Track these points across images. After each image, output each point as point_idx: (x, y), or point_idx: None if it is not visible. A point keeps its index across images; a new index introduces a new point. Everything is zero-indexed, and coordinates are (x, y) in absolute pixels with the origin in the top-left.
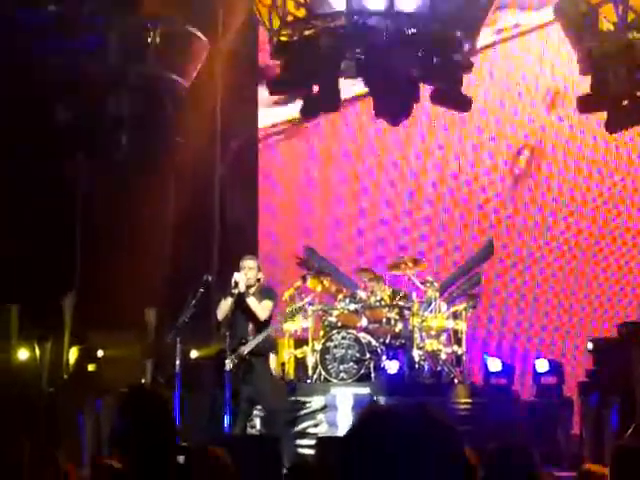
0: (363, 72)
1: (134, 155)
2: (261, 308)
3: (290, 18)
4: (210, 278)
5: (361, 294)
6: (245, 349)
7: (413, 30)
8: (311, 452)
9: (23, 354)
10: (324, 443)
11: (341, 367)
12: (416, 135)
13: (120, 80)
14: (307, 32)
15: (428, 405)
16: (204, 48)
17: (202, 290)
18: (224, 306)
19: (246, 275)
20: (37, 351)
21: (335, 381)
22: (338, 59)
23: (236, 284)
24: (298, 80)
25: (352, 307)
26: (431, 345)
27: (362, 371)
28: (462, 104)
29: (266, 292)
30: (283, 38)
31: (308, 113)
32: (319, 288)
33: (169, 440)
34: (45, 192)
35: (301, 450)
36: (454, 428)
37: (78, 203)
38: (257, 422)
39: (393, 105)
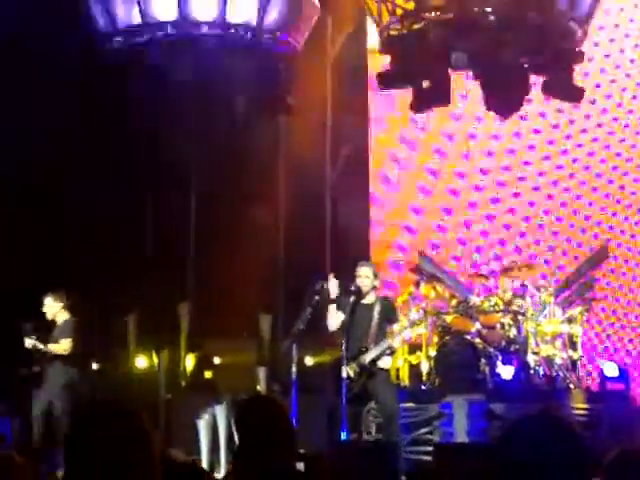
0: (473, 64)
1: (248, 120)
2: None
3: (399, 11)
4: (325, 285)
5: (474, 299)
6: (367, 357)
7: (523, 20)
8: (427, 459)
9: (141, 362)
10: (441, 450)
11: (455, 373)
12: (528, 134)
13: (233, 39)
14: (416, 25)
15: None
16: (315, 12)
17: (317, 297)
18: (331, 314)
19: (362, 283)
20: (155, 359)
21: (449, 387)
22: (448, 52)
23: (357, 289)
24: (408, 74)
25: (466, 312)
26: (546, 350)
27: (476, 377)
28: (574, 95)
29: (390, 311)
30: (393, 32)
31: (419, 108)
32: (432, 294)
33: (289, 448)
34: (161, 193)
35: (417, 457)
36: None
37: (192, 207)
38: (373, 428)
39: (504, 98)
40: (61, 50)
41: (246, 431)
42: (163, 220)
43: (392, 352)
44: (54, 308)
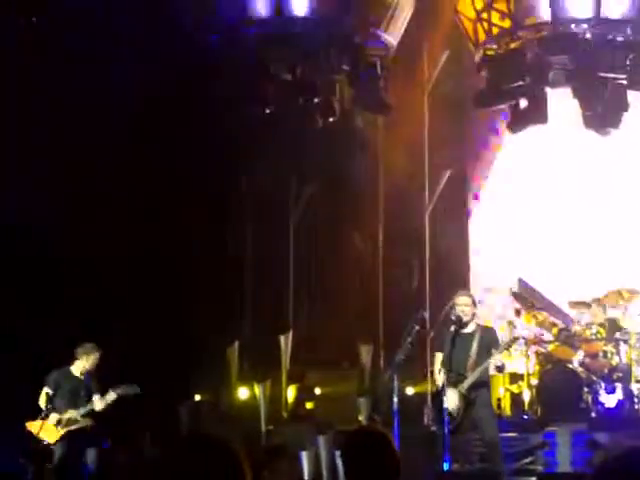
0: (572, 82)
1: (345, 120)
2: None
3: (496, 30)
4: (425, 315)
5: (576, 327)
6: (464, 385)
7: (620, 37)
8: None
9: (243, 393)
10: None
11: (558, 402)
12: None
13: (329, 38)
14: (513, 44)
15: None
16: (409, 3)
17: (417, 327)
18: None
19: (462, 312)
20: (257, 390)
21: (552, 416)
22: (545, 70)
23: (458, 319)
24: (505, 93)
25: (567, 341)
26: None
27: (579, 406)
28: None
29: (492, 341)
30: (489, 52)
31: (516, 127)
32: (533, 322)
33: (394, 479)
34: (259, 225)
35: None
36: None
37: (290, 238)
38: (476, 458)
39: (602, 115)
40: None
41: (352, 463)
42: (262, 252)
43: (483, 383)
44: None
